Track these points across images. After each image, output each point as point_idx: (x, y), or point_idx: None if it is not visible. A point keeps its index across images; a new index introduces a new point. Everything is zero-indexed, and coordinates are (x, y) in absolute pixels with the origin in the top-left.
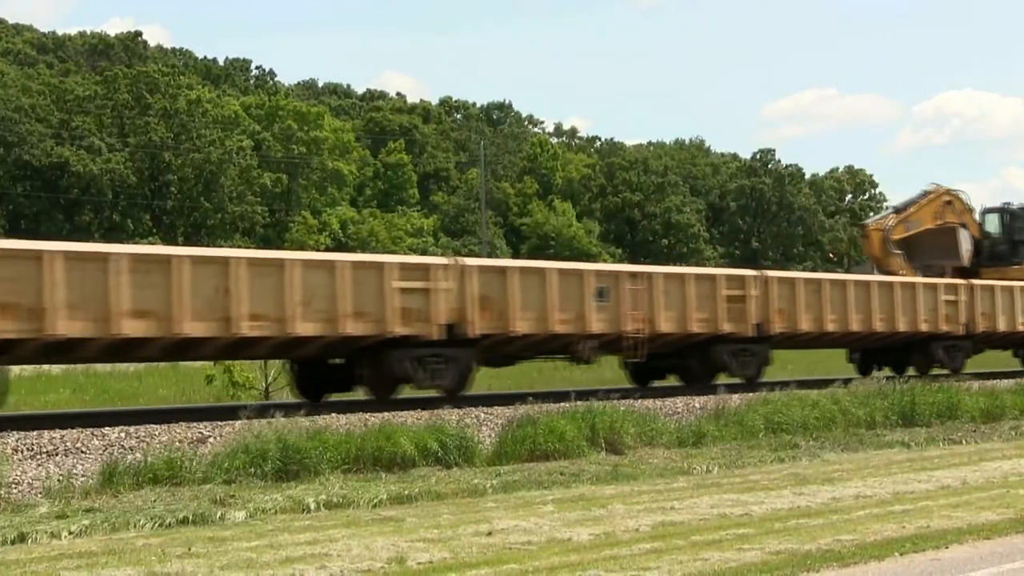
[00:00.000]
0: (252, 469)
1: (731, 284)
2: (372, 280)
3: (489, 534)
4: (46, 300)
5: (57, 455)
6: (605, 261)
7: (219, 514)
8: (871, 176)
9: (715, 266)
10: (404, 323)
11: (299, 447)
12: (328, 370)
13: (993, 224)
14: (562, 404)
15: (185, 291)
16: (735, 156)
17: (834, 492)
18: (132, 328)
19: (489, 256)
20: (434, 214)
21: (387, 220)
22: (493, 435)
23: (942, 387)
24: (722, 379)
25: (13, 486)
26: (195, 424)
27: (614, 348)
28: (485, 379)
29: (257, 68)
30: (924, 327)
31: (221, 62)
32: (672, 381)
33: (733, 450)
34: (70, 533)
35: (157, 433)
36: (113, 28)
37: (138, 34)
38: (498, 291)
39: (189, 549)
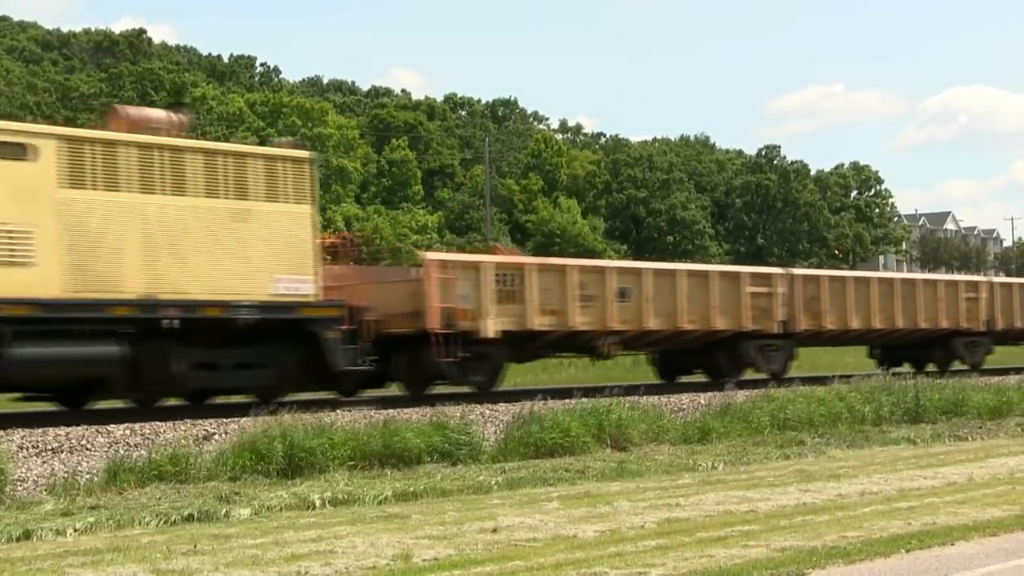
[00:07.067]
0: (258, 466)
1: None
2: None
3: (494, 531)
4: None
5: (62, 452)
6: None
7: (224, 511)
8: (877, 172)
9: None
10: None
11: (305, 444)
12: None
13: None
14: (567, 401)
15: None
16: (740, 153)
17: (840, 489)
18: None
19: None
20: (439, 211)
21: (392, 217)
22: (498, 432)
23: (948, 383)
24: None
25: (18, 483)
26: (200, 421)
27: None
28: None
29: (262, 65)
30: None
31: (226, 59)
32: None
33: (739, 447)
34: (75, 530)
35: (162, 430)
36: (122, 26)
37: (143, 31)
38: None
39: (194, 546)
